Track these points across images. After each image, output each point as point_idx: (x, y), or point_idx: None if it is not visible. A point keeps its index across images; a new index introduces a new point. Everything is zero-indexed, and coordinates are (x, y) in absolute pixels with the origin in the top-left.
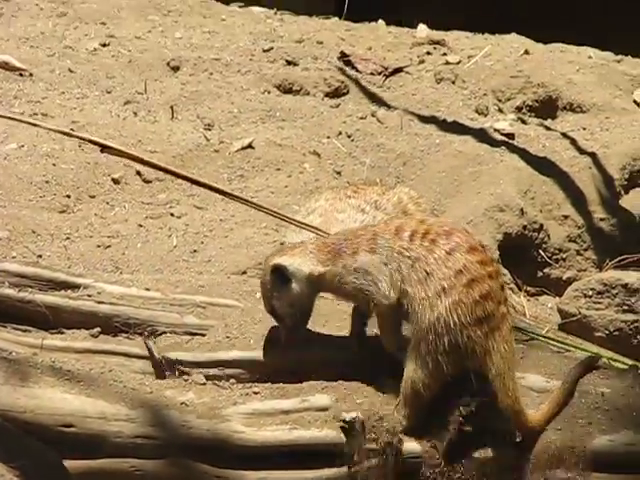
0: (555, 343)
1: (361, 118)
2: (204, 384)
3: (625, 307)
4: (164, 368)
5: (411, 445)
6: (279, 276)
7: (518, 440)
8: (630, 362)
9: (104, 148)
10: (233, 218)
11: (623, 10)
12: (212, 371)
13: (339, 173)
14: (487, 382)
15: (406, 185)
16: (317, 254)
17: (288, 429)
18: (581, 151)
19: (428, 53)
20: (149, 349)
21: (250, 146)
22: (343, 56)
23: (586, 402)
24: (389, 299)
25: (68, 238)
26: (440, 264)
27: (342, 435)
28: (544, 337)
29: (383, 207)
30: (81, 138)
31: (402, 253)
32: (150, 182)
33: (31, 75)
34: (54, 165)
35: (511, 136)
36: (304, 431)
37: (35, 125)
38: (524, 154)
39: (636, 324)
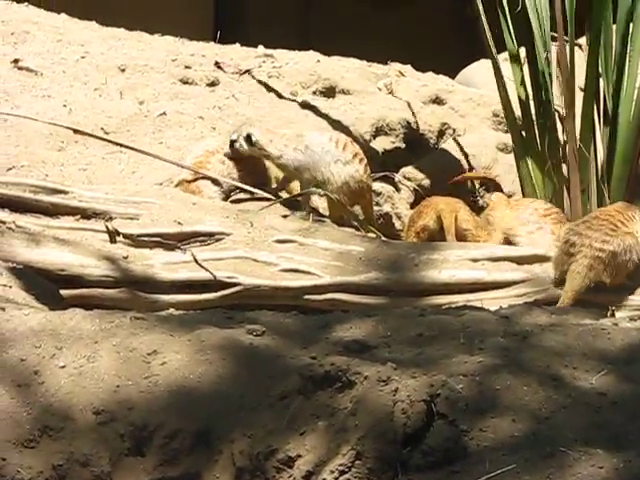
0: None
1: (226, 98)
2: (138, 247)
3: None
4: (116, 238)
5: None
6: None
7: None
8: (378, 234)
9: (75, 131)
10: None
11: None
12: (143, 239)
13: (214, 129)
14: None
15: None
16: None
17: (186, 271)
18: (348, 115)
19: (264, 61)
20: (107, 227)
21: (164, 114)
22: (216, 63)
23: (351, 255)
24: None
25: (62, 165)
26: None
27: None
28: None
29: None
30: (60, 125)
31: None
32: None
33: (42, 74)
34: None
35: (311, 108)
36: (194, 273)
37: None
38: (321, 116)
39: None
